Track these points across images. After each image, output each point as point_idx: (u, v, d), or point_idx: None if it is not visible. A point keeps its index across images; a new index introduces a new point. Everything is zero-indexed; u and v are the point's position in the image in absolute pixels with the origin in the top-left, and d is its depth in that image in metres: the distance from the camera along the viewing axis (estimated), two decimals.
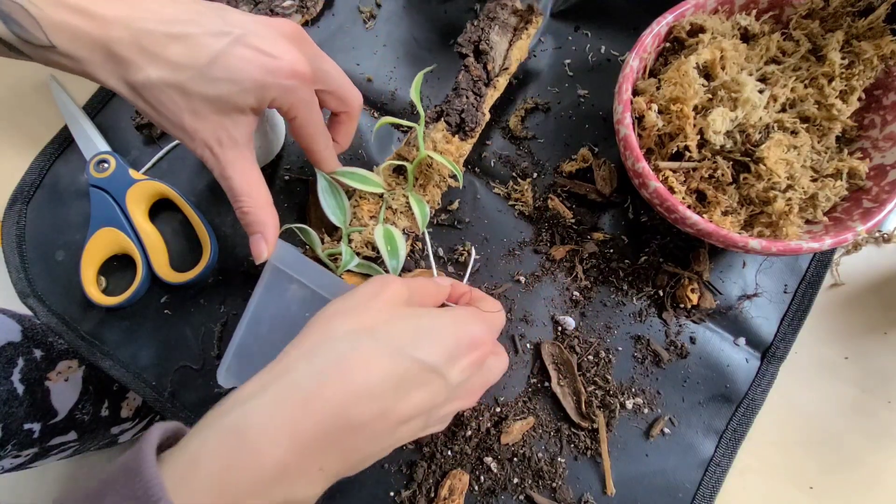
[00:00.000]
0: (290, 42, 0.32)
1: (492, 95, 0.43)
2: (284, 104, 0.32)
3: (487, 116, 0.43)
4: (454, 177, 0.40)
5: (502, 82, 0.44)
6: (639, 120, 0.38)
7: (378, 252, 0.37)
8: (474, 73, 0.42)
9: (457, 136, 0.41)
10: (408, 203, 0.39)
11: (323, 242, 0.39)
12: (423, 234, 0.40)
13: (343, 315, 0.28)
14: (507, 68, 0.43)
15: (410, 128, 0.41)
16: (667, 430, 0.39)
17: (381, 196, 0.40)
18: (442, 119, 0.41)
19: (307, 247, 0.39)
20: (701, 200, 0.38)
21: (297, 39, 0.33)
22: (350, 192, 0.40)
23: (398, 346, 0.27)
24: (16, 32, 0.28)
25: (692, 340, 0.41)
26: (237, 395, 0.25)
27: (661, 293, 0.41)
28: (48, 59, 0.30)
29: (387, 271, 0.37)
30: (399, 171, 0.41)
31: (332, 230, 0.40)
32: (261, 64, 0.30)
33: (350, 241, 0.38)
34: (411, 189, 0.40)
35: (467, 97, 0.41)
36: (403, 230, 0.39)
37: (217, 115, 0.31)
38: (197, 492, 0.22)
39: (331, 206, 0.38)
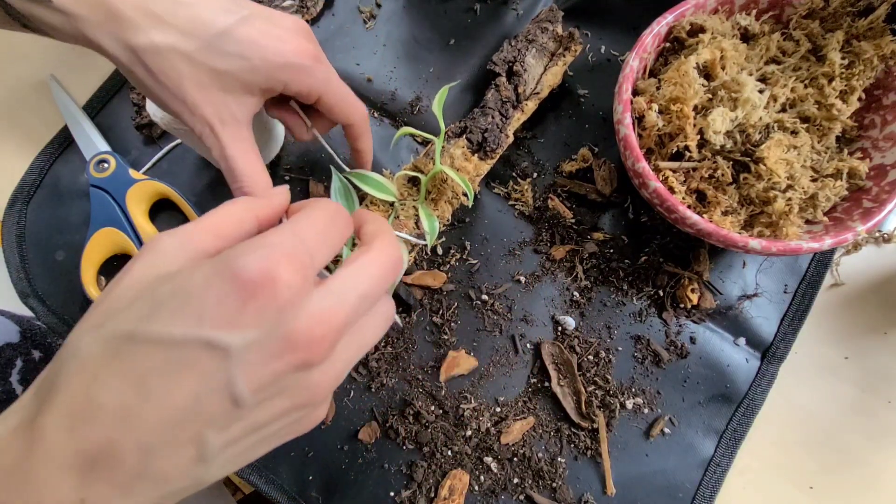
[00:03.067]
0: (296, 32, 0.32)
1: (518, 118, 0.42)
2: (302, 88, 0.31)
3: (510, 139, 0.42)
4: (467, 195, 0.39)
5: (531, 106, 0.43)
6: (639, 120, 0.38)
7: None
8: (504, 94, 0.41)
9: (476, 154, 0.40)
10: (417, 215, 0.39)
11: None
12: (427, 246, 0.39)
13: (84, 319, 0.22)
14: (538, 93, 0.43)
15: (430, 140, 0.40)
16: (667, 430, 0.39)
17: (391, 205, 0.39)
18: (464, 136, 0.40)
19: None
20: (701, 200, 0.38)
21: (304, 33, 0.32)
22: (361, 197, 0.40)
23: (126, 331, 0.20)
24: None
25: (692, 340, 0.41)
26: None
27: (661, 293, 0.41)
28: (41, 18, 0.28)
29: None
30: (414, 181, 0.40)
31: None
32: (268, 44, 0.29)
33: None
34: (422, 202, 0.39)
35: (493, 117, 0.41)
36: (410, 238, 0.38)
37: (222, 92, 0.30)
38: None
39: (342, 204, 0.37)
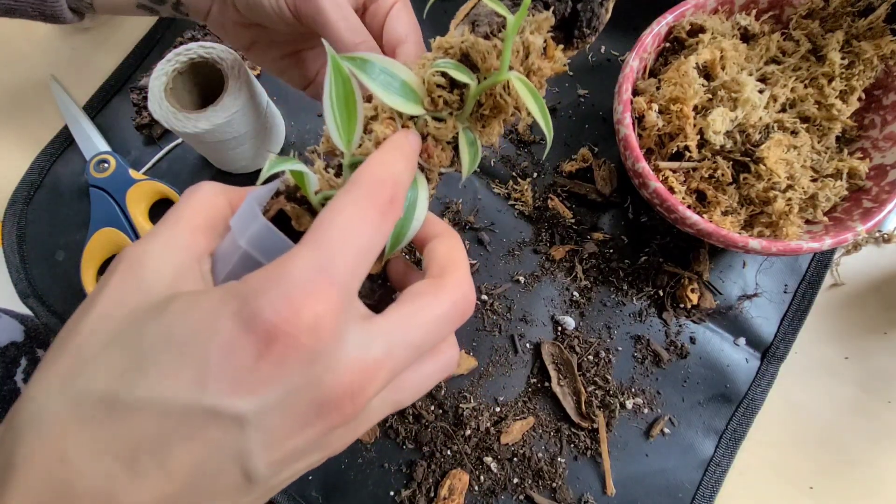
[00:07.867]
0: None
1: None
2: None
3: (609, 15, 0.25)
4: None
5: None
6: (639, 120, 0.38)
7: None
8: None
9: (560, 44, 0.25)
10: (452, 138, 0.23)
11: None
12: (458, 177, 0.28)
13: (47, 362, 0.17)
14: None
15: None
16: (667, 430, 0.39)
17: (413, 118, 0.23)
18: (551, 9, 0.24)
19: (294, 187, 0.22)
20: (701, 200, 0.38)
21: None
22: (367, 98, 0.23)
23: (104, 392, 0.15)
24: None
25: (692, 340, 0.41)
26: None
27: (661, 293, 0.41)
28: None
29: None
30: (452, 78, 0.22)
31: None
32: None
33: None
34: (465, 120, 0.23)
35: None
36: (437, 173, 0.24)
37: None
38: None
39: (336, 118, 0.20)
